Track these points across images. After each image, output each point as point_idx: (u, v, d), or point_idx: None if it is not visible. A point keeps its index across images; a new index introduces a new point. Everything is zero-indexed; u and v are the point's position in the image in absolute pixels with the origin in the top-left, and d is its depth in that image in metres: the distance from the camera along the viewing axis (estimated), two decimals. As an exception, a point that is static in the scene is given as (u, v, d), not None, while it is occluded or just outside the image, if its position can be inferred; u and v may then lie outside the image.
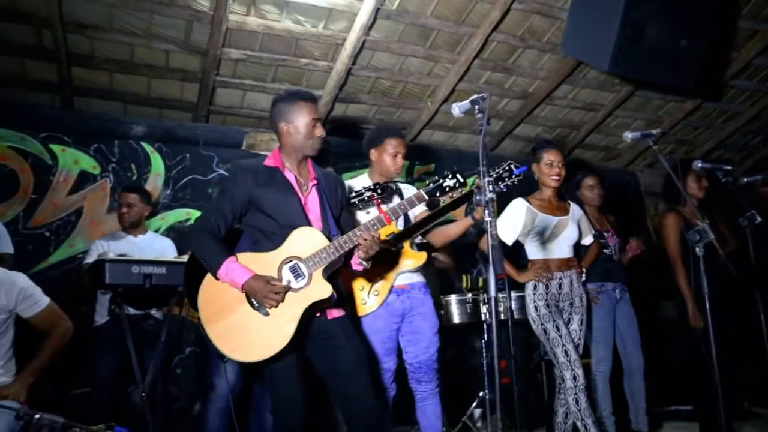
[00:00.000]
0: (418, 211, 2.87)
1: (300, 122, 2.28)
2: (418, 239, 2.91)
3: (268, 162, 2.30)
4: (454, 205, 2.73)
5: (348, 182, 2.83)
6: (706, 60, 3.81)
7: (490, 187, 1.97)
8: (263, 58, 4.00)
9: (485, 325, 3.78)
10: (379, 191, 2.53)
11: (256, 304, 2.11)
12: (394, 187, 2.79)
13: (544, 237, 3.07)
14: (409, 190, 2.88)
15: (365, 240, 2.17)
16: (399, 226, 2.80)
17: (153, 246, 3.59)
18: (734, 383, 3.34)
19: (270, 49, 3.96)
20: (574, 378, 2.86)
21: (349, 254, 2.24)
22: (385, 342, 2.69)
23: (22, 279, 2.44)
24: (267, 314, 2.09)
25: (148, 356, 3.09)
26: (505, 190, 2.58)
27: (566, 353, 2.88)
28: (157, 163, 4.25)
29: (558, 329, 2.93)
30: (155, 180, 4.23)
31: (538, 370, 3.86)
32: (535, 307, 3.00)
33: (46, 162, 3.96)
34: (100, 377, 3.26)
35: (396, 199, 2.80)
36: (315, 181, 2.33)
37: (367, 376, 2.19)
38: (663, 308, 4.48)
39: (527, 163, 2.95)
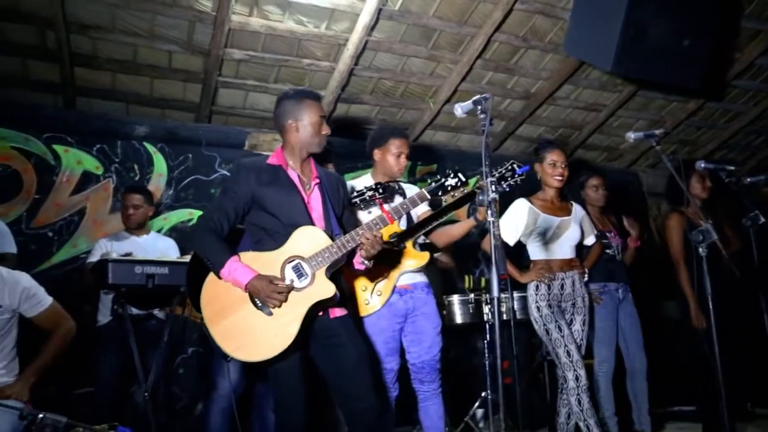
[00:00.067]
0: (421, 211, 2.87)
1: (307, 119, 2.29)
2: (421, 239, 2.91)
3: (271, 160, 2.30)
4: (457, 204, 2.72)
5: (350, 182, 2.83)
6: (709, 60, 3.81)
7: (493, 187, 1.97)
8: (266, 59, 4.00)
9: (487, 326, 3.77)
10: (380, 191, 2.53)
11: (260, 304, 2.10)
12: (397, 187, 2.79)
13: (547, 237, 3.07)
14: (412, 190, 2.88)
15: (367, 239, 2.18)
16: (401, 225, 2.80)
17: (156, 246, 3.59)
18: (737, 384, 3.33)
19: (272, 49, 3.96)
20: (577, 378, 2.85)
21: (352, 253, 2.24)
22: (388, 342, 2.69)
23: (25, 278, 2.45)
24: (270, 314, 2.09)
25: (151, 356, 3.10)
26: (507, 189, 2.58)
27: (568, 354, 2.88)
28: (160, 164, 4.26)
29: (560, 330, 2.93)
30: (158, 180, 4.24)
31: (541, 370, 3.86)
32: (537, 308, 2.99)
33: (49, 162, 3.97)
34: (103, 377, 3.26)
35: (398, 199, 2.80)
36: (318, 180, 2.33)
37: (368, 375, 2.19)
38: (666, 308, 4.47)
39: (529, 163, 2.95)
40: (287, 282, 2.12)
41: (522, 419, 3.12)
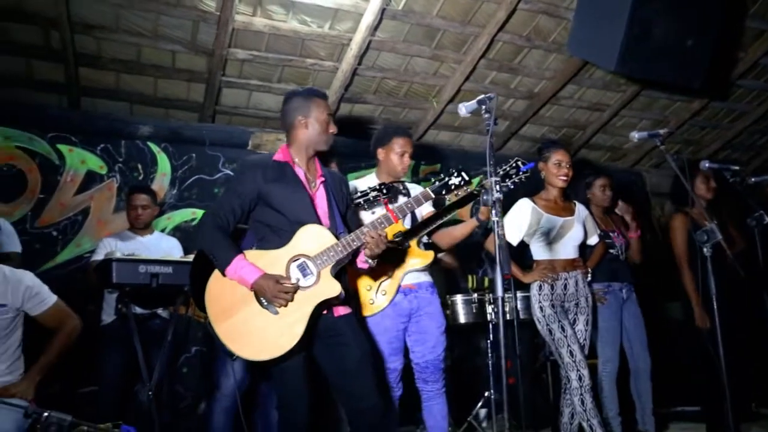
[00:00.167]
0: (425, 211, 2.87)
1: (316, 117, 2.29)
2: (425, 239, 2.91)
3: (277, 157, 2.30)
4: (460, 203, 2.72)
5: (353, 182, 2.83)
6: (713, 59, 3.79)
7: (497, 186, 1.97)
8: (269, 59, 4.01)
9: (491, 325, 3.77)
10: (384, 191, 2.53)
11: (265, 303, 2.10)
12: (401, 187, 2.79)
13: (550, 237, 3.06)
14: (416, 190, 2.88)
15: (372, 238, 2.18)
16: (405, 225, 2.80)
17: (159, 246, 3.60)
18: (741, 384, 3.33)
19: (276, 49, 3.96)
20: (580, 378, 2.85)
21: (356, 252, 2.24)
22: (392, 342, 2.70)
23: (28, 277, 2.45)
24: (276, 313, 2.09)
25: (155, 355, 3.11)
26: (512, 187, 2.57)
27: (571, 354, 2.88)
28: (164, 163, 4.27)
29: (563, 330, 2.92)
30: (161, 180, 4.24)
31: (544, 370, 3.86)
32: (541, 308, 2.99)
33: (53, 162, 3.98)
34: (107, 376, 3.28)
35: (403, 199, 2.80)
36: (322, 178, 2.33)
37: (371, 374, 2.19)
38: (669, 309, 4.46)
39: (534, 162, 2.94)
40: (293, 281, 2.11)
41: (525, 419, 3.12)
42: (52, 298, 2.49)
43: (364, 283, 2.70)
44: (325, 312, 2.19)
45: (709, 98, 5.11)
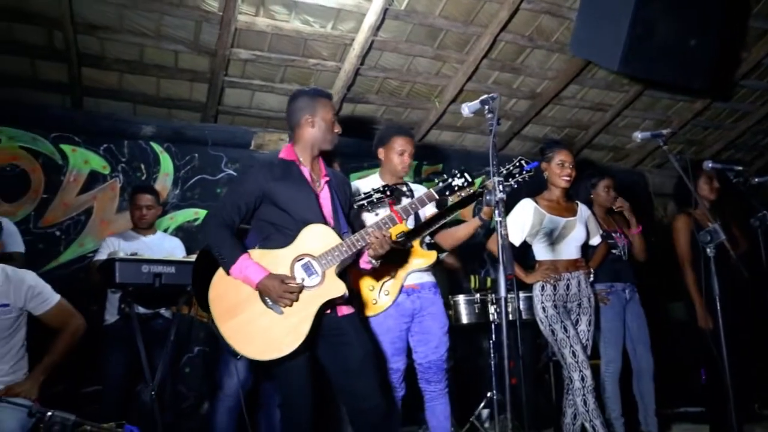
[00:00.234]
0: (428, 211, 2.86)
1: (323, 116, 2.30)
2: (427, 239, 2.91)
3: (283, 155, 2.30)
4: (462, 203, 2.72)
5: (355, 183, 2.83)
6: (716, 60, 3.79)
7: (500, 186, 1.96)
8: (272, 59, 4.01)
9: (493, 326, 3.77)
10: (388, 193, 2.53)
11: (270, 302, 2.10)
12: (404, 188, 2.79)
13: (552, 238, 3.06)
14: (420, 191, 2.88)
15: (377, 238, 2.18)
16: (408, 225, 2.80)
17: (162, 246, 3.61)
18: (745, 385, 3.32)
19: (279, 49, 3.97)
20: (583, 379, 2.85)
21: (359, 252, 2.24)
22: (395, 342, 2.70)
23: (30, 277, 2.46)
24: (281, 313, 2.09)
25: (158, 355, 3.11)
26: (516, 186, 2.57)
27: (574, 354, 2.87)
28: (166, 163, 4.28)
29: (566, 330, 2.92)
30: (164, 180, 4.25)
31: (546, 371, 3.85)
32: (543, 308, 2.99)
33: (56, 162, 3.99)
34: (110, 376, 3.28)
35: (406, 200, 2.80)
36: (327, 178, 2.33)
37: (374, 375, 2.19)
38: (672, 309, 4.46)
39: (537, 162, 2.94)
40: (298, 281, 2.11)
41: (527, 420, 3.12)
42: (55, 298, 2.50)
43: (367, 283, 2.70)
44: (328, 311, 2.19)
45: (712, 98, 5.10)
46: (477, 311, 3.79)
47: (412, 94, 4.60)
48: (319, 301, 2.11)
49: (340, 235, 2.20)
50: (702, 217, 3.41)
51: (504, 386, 2.01)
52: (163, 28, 3.71)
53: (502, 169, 2.53)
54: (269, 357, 2.06)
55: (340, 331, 2.19)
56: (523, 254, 3.17)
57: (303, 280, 2.13)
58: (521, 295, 3.69)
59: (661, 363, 3.52)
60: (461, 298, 3.83)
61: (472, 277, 4.19)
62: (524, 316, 3.67)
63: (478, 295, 3.82)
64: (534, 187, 3.08)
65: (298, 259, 2.15)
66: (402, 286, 2.74)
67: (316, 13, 3.74)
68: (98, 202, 4.07)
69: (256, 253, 2.14)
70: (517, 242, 3.06)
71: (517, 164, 2.56)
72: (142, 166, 4.20)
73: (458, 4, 3.86)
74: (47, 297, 2.47)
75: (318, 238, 2.16)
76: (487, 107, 2.12)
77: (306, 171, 2.28)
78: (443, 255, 3.88)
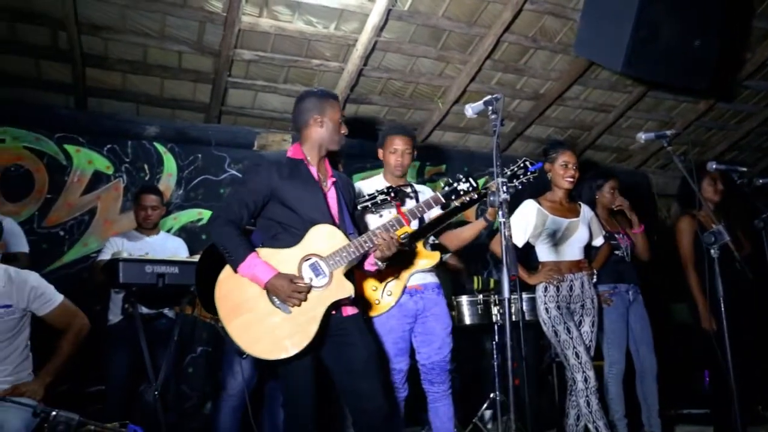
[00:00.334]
0: (434, 214, 2.87)
1: (331, 117, 2.31)
2: (431, 239, 2.91)
3: (291, 154, 2.31)
4: (466, 205, 2.72)
5: (357, 184, 2.84)
6: (720, 60, 3.78)
7: (504, 187, 1.96)
8: (275, 59, 4.02)
9: (496, 327, 3.76)
10: (392, 194, 2.53)
11: (277, 302, 2.10)
12: (408, 189, 2.79)
13: (555, 239, 3.06)
14: (424, 192, 2.88)
15: (384, 240, 2.18)
16: (413, 227, 2.80)
17: (165, 246, 3.61)
18: (748, 387, 3.31)
19: (282, 50, 3.97)
20: (586, 380, 2.84)
21: (365, 254, 2.24)
22: (398, 342, 2.70)
23: (33, 278, 2.46)
24: (289, 312, 2.09)
25: (161, 355, 3.11)
26: (520, 187, 2.57)
27: (577, 355, 2.87)
28: (170, 164, 4.29)
29: (569, 331, 2.92)
30: (168, 180, 4.26)
31: (550, 372, 3.84)
32: (546, 309, 2.98)
33: (60, 162, 4.00)
34: (113, 376, 3.29)
35: (410, 201, 2.81)
36: (333, 179, 2.34)
37: (377, 375, 2.19)
38: (675, 311, 4.44)
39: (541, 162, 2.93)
40: (306, 281, 2.11)
41: (531, 421, 3.11)
42: (58, 298, 2.50)
43: (370, 284, 2.71)
44: (333, 312, 2.19)
45: (716, 99, 5.09)
46: (480, 312, 3.78)
47: (415, 94, 4.60)
48: (327, 302, 2.11)
49: (347, 235, 2.20)
50: (706, 218, 3.40)
51: (507, 387, 2.01)
52: (167, 29, 3.72)
53: (506, 170, 2.54)
54: (276, 356, 2.05)
55: (344, 331, 2.19)
56: (526, 255, 3.16)
57: (311, 280, 2.13)
58: (524, 296, 3.69)
59: (665, 364, 3.52)
60: (464, 299, 3.83)
61: (475, 278, 4.19)
62: (527, 317, 3.66)
63: (481, 296, 3.82)
64: (537, 188, 3.08)
65: (306, 258, 2.14)
66: (405, 287, 2.74)
67: (320, 13, 3.75)
68: (102, 202, 4.08)
69: (264, 252, 2.13)
70: (520, 243, 3.06)
71: (522, 165, 2.56)
72: (146, 167, 4.21)
73: (461, 4, 3.86)
74: (50, 297, 2.48)
75: (325, 239, 2.16)
76: (490, 108, 2.11)
77: (314, 170, 2.29)
78: (446, 256, 3.87)
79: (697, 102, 5.15)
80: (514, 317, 3.66)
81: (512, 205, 3.06)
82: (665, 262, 3.81)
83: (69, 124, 4.04)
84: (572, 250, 3.08)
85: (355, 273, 2.38)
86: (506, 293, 1.90)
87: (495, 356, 3.75)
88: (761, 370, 3.82)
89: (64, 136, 4.03)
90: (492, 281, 4.19)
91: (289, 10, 3.70)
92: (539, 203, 3.09)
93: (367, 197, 2.59)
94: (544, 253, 3.10)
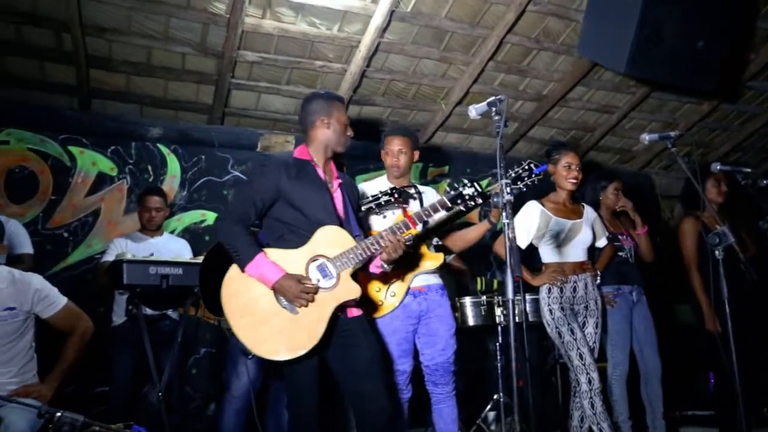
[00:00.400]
0: (438, 216, 2.87)
1: (337, 119, 2.33)
2: (435, 240, 2.91)
3: (298, 155, 2.31)
4: (470, 208, 2.72)
5: (361, 186, 2.85)
6: (724, 61, 3.77)
7: (508, 189, 1.96)
8: (278, 61, 4.02)
9: (499, 328, 3.76)
10: (396, 195, 2.54)
11: (284, 302, 2.10)
12: (412, 190, 2.79)
13: (559, 240, 3.06)
14: (429, 193, 2.88)
15: (391, 243, 2.18)
16: (417, 229, 2.80)
17: (169, 247, 3.62)
18: (754, 389, 3.30)
19: (285, 51, 3.98)
20: (590, 381, 2.84)
21: (371, 256, 2.24)
22: (401, 343, 2.69)
23: (36, 280, 2.47)
24: (296, 313, 2.09)
25: (165, 356, 3.12)
26: (524, 189, 2.57)
27: (581, 356, 2.87)
28: (173, 165, 4.30)
29: (573, 333, 2.91)
30: (171, 181, 4.27)
31: (553, 373, 3.84)
32: (550, 311, 2.98)
33: (65, 163, 4.02)
34: (117, 377, 3.30)
35: (414, 202, 2.81)
36: (339, 180, 2.35)
37: (381, 376, 2.19)
38: (679, 312, 4.43)
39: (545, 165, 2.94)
40: (313, 282, 2.11)
41: (534, 422, 3.10)
42: (62, 300, 2.51)
43: (374, 285, 2.70)
44: (339, 313, 2.20)
45: (720, 100, 5.07)
46: (483, 313, 3.78)
47: (418, 96, 4.60)
48: (335, 303, 2.12)
49: (354, 237, 2.21)
50: (709, 219, 3.39)
51: (511, 389, 2.00)
52: (170, 31, 3.73)
53: (510, 172, 2.54)
54: (284, 357, 2.05)
55: (349, 332, 2.19)
56: (529, 256, 3.16)
57: (318, 281, 2.13)
58: (527, 297, 3.68)
59: (669, 366, 3.50)
60: (468, 301, 3.82)
61: (479, 279, 4.18)
62: (531, 319, 3.66)
63: (484, 297, 3.82)
64: (540, 190, 3.08)
65: (313, 259, 2.15)
66: (408, 288, 2.74)
67: (323, 15, 3.75)
68: (106, 203, 4.09)
69: (271, 252, 2.13)
70: (523, 245, 3.06)
71: (526, 167, 2.56)
72: (150, 168, 4.22)
73: (464, 6, 3.86)
74: (54, 300, 2.48)
75: (332, 240, 2.16)
76: (494, 109, 2.12)
77: (321, 172, 2.29)
78: (449, 258, 3.87)
79: (701, 103, 5.14)
80: (517, 318, 3.65)
81: (515, 207, 3.06)
82: (669, 263, 3.80)
83: (73, 125, 4.05)
84: (576, 252, 3.07)
85: (359, 274, 2.38)
86: (510, 294, 1.90)
87: (498, 357, 3.75)
88: (766, 372, 3.81)
89: (68, 137, 4.04)
90: (495, 282, 4.19)
91: (292, 11, 3.70)
92: (542, 204, 3.09)
93: (371, 198, 2.59)
94: (547, 254, 3.10)
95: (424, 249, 2.79)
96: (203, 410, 3.99)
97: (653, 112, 5.21)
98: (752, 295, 3.18)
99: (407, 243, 2.38)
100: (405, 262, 2.69)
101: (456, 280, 4.22)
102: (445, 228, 2.88)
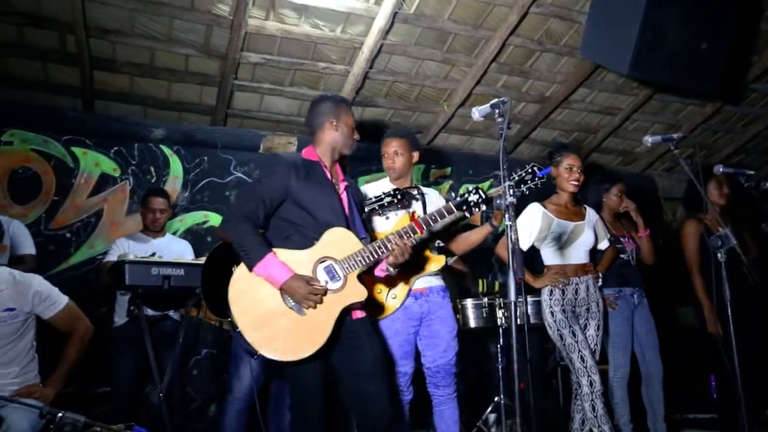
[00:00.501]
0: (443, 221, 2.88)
1: (345, 121, 2.35)
2: (437, 242, 2.91)
3: (306, 155, 2.31)
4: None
5: (363, 188, 2.85)
6: (727, 63, 3.76)
7: (511, 191, 1.96)
8: (281, 62, 4.03)
9: (501, 330, 3.76)
10: (399, 197, 2.54)
11: (291, 303, 2.09)
12: (415, 192, 2.79)
13: (561, 242, 3.05)
14: (432, 195, 2.89)
15: (398, 246, 2.19)
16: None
17: (171, 248, 3.63)
18: (756, 391, 3.29)
19: (288, 53, 3.99)
20: (591, 384, 2.83)
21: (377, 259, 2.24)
22: (403, 345, 2.69)
23: (36, 281, 2.47)
24: (303, 314, 2.08)
25: (166, 357, 3.12)
26: (527, 192, 2.58)
27: (582, 359, 2.86)
28: (176, 166, 4.31)
29: (574, 335, 2.91)
30: (174, 182, 4.28)
31: (554, 375, 3.83)
32: (552, 313, 2.98)
33: (68, 164, 4.03)
34: (119, 377, 3.30)
35: (416, 203, 2.81)
36: (346, 183, 2.36)
37: (383, 378, 2.19)
38: (681, 315, 4.42)
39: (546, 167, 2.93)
40: (321, 283, 2.11)
41: (535, 425, 3.10)
42: (63, 300, 2.51)
43: (376, 287, 2.70)
44: (344, 315, 2.20)
45: (723, 102, 5.07)
46: (485, 315, 3.78)
47: (420, 97, 4.61)
48: (341, 305, 2.12)
49: (360, 239, 2.21)
50: (712, 221, 3.38)
51: (512, 391, 2.00)
52: (174, 32, 3.74)
53: (513, 175, 2.53)
54: (290, 358, 2.04)
55: (353, 334, 2.20)
56: (531, 259, 3.16)
57: (326, 282, 2.13)
58: (529, 299, 3.68)
59: (670, 368, 3.50)
60: (469, 302, 3.82)
61: (480, 282, 4.18)
62: (532, 321, 3.65)
63: (486, 300, 3.82)
64: (542, 191, 3.08)
65: (321, 261, 2.15)
66: (410, 290, 2.74)
67: (326, 16, 3.76)
68: (108, 204, 4.10)
69: (279, 253, 2.12)
70: (525, 247, 3.06)
71: (530, 171, 2.56)
72: (152, 169, 4.23)
73: (467, 7, 3.86)
74: (55, 300, 2.49)
75: (339, 242, 2.16)
76: (497, 111, 2.11)
77: (328, 173, 2.30)
78: (451, 260, 3.87)
79: (704, 105, 5.13)
80: (519, 320, 3.64)
81: (517, 209, 3.06)
82: (671, 265, 3.79)
83: (76, 126, 4.07)
84: (578, 254, 3.07)
85: (362, 276, 2.38)
86: (512, 296, 1.89)
87: (500, 359, 3.74)
88: (766, 374, 3.80)
89: (71, 138, 4.05)
90: (497, 284, 4.18)
91: (296, 13, 3.71)
92: (544, 206, 3.08)
93: (374, 199, 2.59)
94: (549, 256, 3.09)
95: (427, 251, 2.79)
96: (204, 411, 3.99)
97: (656, 114, 5.21)
98: (754, 298, 3.17)
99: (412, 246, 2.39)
100: (408, 265, 2.69)
101: (458, 282, 4.22)
102: (448, 231, 2.88)
